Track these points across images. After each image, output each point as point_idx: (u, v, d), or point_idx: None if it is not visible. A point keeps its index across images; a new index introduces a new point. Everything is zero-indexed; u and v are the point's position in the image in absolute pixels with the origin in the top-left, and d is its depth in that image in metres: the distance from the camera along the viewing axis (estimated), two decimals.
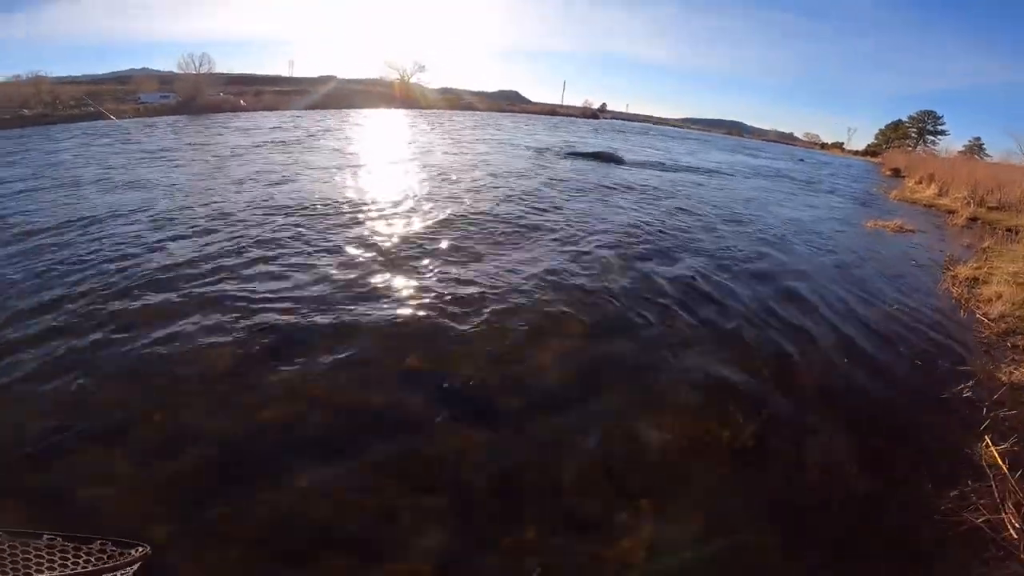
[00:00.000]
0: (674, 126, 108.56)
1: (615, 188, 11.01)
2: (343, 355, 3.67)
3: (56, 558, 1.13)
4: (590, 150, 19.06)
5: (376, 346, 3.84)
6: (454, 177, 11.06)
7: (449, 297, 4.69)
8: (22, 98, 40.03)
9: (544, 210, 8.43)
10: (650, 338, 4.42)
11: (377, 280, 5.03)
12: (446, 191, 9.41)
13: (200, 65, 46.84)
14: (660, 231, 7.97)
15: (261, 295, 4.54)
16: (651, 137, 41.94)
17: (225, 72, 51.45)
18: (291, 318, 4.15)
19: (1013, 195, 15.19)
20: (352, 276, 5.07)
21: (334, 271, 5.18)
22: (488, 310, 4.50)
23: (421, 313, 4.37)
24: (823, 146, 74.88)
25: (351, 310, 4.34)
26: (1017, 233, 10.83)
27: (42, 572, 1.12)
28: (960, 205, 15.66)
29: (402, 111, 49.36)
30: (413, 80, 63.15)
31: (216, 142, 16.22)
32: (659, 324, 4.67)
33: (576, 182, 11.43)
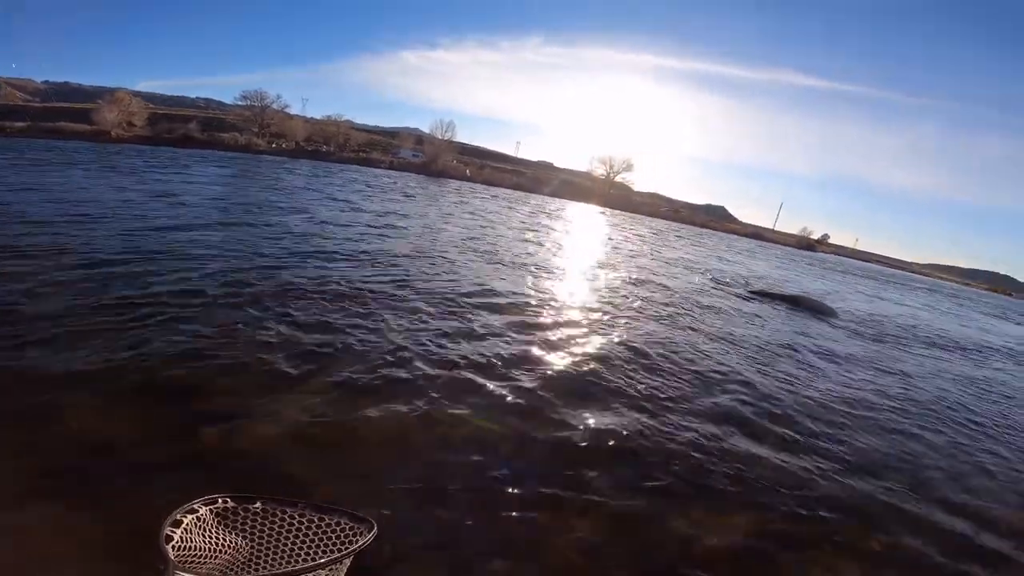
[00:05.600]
0: (917, 272, 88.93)
1: (807, 366, 8.21)
2: None
3: (303, 527, 1.31)
4: (789, 292, 15.74)
5: None
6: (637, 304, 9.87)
7: None
8: (326, 135, 53.95)
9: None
10: None
11: None
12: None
13: (445, 131, 56.75)
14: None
15: None
16: (883, 284, 34.35)
17: (461, 141, 61.30)
18: None
19: None
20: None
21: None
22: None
23: None
24: None
25: None
26: None
27: (293, 539, 1.31)
28: None
29: (605, 210, 50.44)
30: (619, 178, 65.56)
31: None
32: None
33: (762, 342, 9.01)
